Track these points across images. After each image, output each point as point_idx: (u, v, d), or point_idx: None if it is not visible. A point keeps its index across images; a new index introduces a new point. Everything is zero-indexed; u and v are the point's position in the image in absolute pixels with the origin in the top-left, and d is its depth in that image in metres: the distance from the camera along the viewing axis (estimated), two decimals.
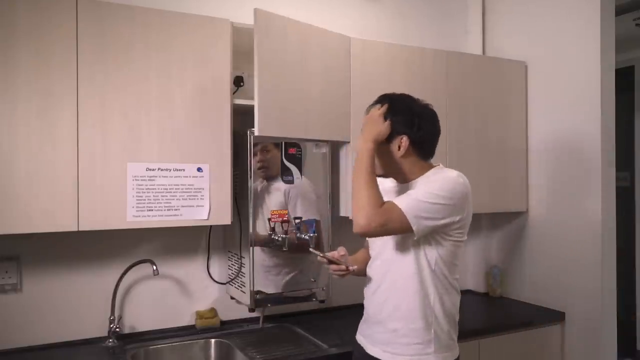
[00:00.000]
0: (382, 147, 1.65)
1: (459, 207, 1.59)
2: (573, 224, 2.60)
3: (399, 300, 1.64)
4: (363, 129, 1.67)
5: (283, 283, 2.17)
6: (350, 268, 1.75)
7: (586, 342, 2.53)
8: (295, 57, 2.09)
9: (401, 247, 1.64)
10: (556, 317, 2.62)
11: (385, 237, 1.66)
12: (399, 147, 1.65)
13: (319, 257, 1.78)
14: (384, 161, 1.68)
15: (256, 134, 1.93)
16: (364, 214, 1.53)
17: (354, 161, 2.28)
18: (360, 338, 1.79)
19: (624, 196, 3.79)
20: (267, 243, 2.13)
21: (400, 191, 1.69)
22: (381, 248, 1.71)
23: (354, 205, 1.58)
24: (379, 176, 1.68)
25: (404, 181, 1.70)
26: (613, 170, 2.53)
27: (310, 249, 1.90)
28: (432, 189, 1.57)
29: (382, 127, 1.63)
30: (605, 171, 2.49)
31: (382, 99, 1.70)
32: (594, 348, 2.50)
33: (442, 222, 1.57)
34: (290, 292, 2.19)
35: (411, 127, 1.65)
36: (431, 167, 1.70)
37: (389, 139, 1.65)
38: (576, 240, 2.58)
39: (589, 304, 2.51)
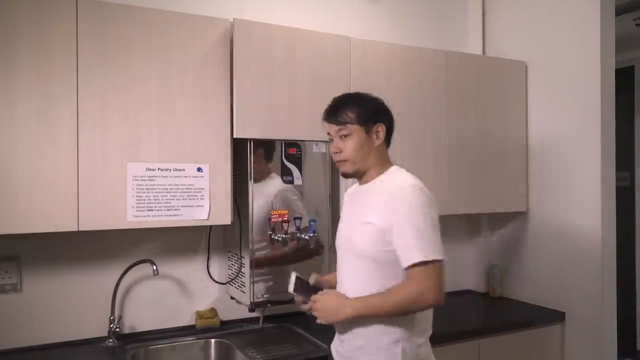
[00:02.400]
0: (362, 139, 1.62)
1: (434, 215, 1.54)
2: (573, 224, 2.60)
3: None
4: (325, 314, 1.57)
5: (283, 283, 2.17)
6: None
7: (586, 342, 2.53)
8: (281, 62, 2.16)
9: None
10: (556, 317, 2.62)
11: None
12: (377, 136, 1.64)
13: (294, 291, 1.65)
14: (362, 154, 1.62)
15: (234, 136, 2.04)
16: (424, 305, 1.52)
17: None
18: None
19: (624, 196, 3.79)
20: (268, 243, 2.12)
21: (362, 194, 1.66)
22: None
23: (414, 310, 1.55)
24: (348, 176, 1.66)
25: (365, 181, 1.67)
26: (613, 170, 2.53)
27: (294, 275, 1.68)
28: (417, 207, 1.50)
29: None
30: (605, 171, 2.49)
31: (342, 104, 1.66)
32: (594, 348, 2.50)
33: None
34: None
35: (384, 114, 1.67)
36: (391, 164, 1.69)
37: (367, 130, 1.62)
38: (576, 240, 2.58)
39: (589, 304, 2.51)
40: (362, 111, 1.63)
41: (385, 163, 1.68)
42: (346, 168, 1.65)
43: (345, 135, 1.62)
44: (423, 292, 1.48)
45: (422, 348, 1.61)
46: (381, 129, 1.65)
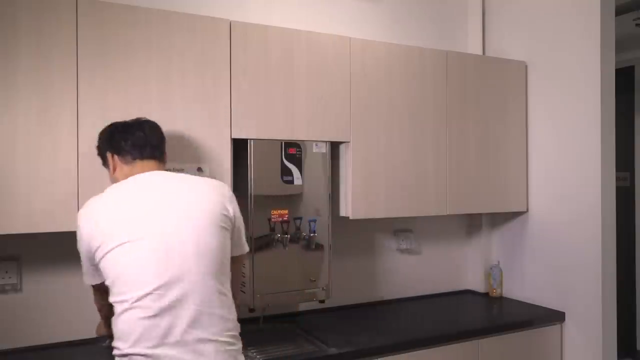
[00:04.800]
0: (109, 175, 1.68)
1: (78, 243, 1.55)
2: (573, 224, 2.60)
3: None
4: None
5: (283, 283, 2.17)
6: None
7: (586, 342, 2.53)
8: (279, 63, 2.18)
9: None
10: (556, 317, 2.62)
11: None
12: (111, 165, 1.66)
13: None
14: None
15: (232, 136, 2.06)
16: None
17: (353, 161, 2.32)
18: None
19: (624, 196, 3.80)
20: (267, 243, 2.13)
21: None
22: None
23: None
24: None
25: None
26: (613, 170, 2.53)
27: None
28: None
29: None
30: (605, 171, 2.49)
31: None
32: (594, 348, 2.50)
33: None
34: (290, 292, 2.19)
35: (103, 143, 1.68)
36: None
37: (106, 165, 1.68)
38: (576, 240, 2.58)
39: (589, 304, 2.51)
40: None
41: None
42: None
43: None
44: None
45: None
46: (109, 157, 1.66)
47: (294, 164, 2.19)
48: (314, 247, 2.21)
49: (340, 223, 2.47)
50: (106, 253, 1.46)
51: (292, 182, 2.18)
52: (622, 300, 2.74)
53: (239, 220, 1.66)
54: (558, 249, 2.68)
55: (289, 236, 2.15)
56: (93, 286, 1.64)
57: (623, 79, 3.52)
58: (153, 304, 1.42)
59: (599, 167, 2.49)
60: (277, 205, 2.15)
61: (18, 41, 1.75)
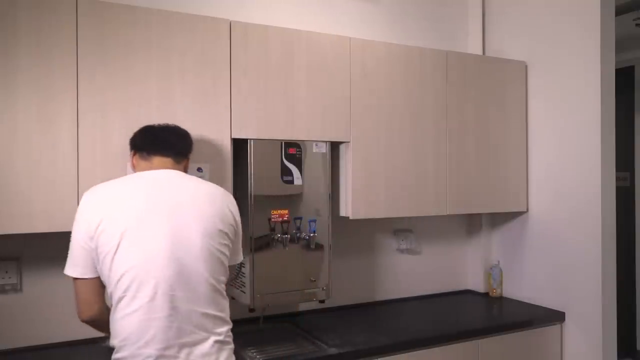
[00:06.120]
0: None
1: (75, 227, 1.50)
2: (573, 224, 2.60)
3: None
4: None
5: (283, 283, 2.17)
6: None
7: (586, 342, 2.53)
8: (279, 62, 2.18)
9: None
10: (556, 317, 2.62)
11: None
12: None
13: None
14: None
15: (232, 136, 2.07)
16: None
17: (353, 161, 2.32)
18: None
19: (624, 196, 3.80)
20: (267, 243, 2.13)
21: None
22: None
23: None
24: None
25: None
26: (613, 170, 2.53)
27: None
28: None
29: None
30: (605, 171, 2.49)
31: None
32: (594, 348, 2.50)
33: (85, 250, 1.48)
34: (290, 292, 2.19)
35: (130, 141, 1.73)
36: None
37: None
38: (576, 240, 2.58)
39: (589, 304, 2.51)
40: None
41: None
42: None
43: None
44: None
45: None
46: (131, 155, 1.73)
47: (294, 164, 2.19)
48: (314, 247, 2.21)
49: (340, 223, 2.47)
50: (117, 245, 1.43)
51: (292, 182, 2.18)
52: (622, 300, 2.74)
53: (240, 230, 1.70)
54: (558, 248, 2.68)
55: (289, 236, 2.15)
56: (83, 281, 1.51)
57: (623, 79, 3.52)
58: (164, 304, 1.43)
59: (599, 167, 2.49)
60: (277, 205, 2.15)
61: (18, 41, 1.75)
